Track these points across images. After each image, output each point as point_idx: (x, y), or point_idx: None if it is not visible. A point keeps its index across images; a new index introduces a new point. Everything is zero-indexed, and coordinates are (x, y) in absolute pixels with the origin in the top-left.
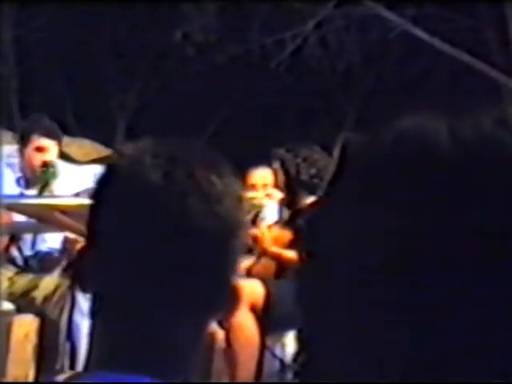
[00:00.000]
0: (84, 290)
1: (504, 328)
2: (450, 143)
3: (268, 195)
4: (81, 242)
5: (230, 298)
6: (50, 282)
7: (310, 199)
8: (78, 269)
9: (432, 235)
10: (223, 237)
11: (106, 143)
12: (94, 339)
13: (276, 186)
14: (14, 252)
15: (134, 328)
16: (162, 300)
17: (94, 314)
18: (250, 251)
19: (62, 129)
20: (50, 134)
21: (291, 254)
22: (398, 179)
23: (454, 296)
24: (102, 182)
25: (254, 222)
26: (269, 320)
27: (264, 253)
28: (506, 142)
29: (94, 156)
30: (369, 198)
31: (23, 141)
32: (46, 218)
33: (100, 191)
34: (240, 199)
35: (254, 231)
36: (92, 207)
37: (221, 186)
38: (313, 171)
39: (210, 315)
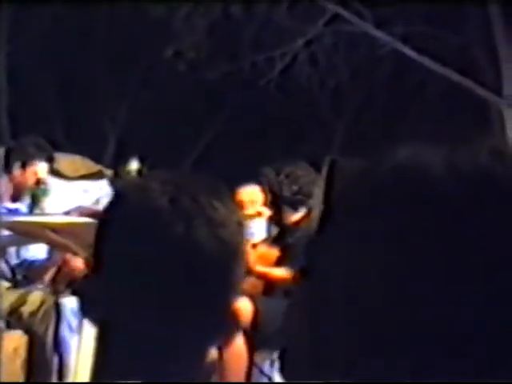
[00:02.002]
0: (90, 316)
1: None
2: (444, 173)
3: (258, 213)
4: (72, 257)
5: (230, 321)
6: (36, 297)
7: (296, 216)
8: (84, 293)
9: (429, 263)
10: (226, 259)
11: (97, 159)
12: (98, 361)
13: (264, 204)
14: (2, 265)
15: (136, 350)
16: (167, 322)
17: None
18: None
19: (51, 144)
20: (44, 156)
21: (278, 272)
22: (396, 208)
23: (444, 322)
24: (111, 208)
25: None
26: (257, 337)
27: (249, 272)
28: (498, 171)
29: (84, 172)
30: (366, 226)
31: (20, 162)
32: (36, 236)
33: (108, 215)
34: (241, 224)
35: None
36: (99, 231)
37: (223, 212)
38: (295, 188)
39: (212, 338)
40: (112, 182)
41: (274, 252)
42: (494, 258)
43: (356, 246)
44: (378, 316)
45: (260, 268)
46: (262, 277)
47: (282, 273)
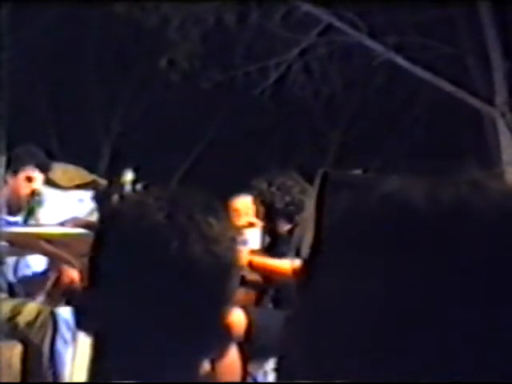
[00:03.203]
0: (84, 327)
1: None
2: (428, 206)
3: (251, 223)
4: (67, 268)
5: (223, 335)
6: (32, 308)
7: (288, 226)
8: (79, 305)
9: (410, 291)
10: (220, 275)
11: (91, 168)
12: (92, 373)
13: (257, 216)
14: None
15: (131, 364)
16: (159, 336)
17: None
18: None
19: (46, 154)
20: (39, 165)
21: (278, 263)
22: (383, 241)
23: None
24: (107, 222)
25: None
26: (251, 347)
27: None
28: (480, 204)
29: (79, 181)
30: (356, 259)
31: (13, 171)
32: (31, 247)
33: (104, 229)
34: (235, 240)
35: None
36: (95, 245)
37: (218, 228)
38: (288, 199)
39: (205, 352)
40: (106, 192)
41: (268, 261)
42: (475, 288)
43: (345, 279)
44: (366, 331)
45: (258, 259)
46: (260, 269)
47: (281, 264)
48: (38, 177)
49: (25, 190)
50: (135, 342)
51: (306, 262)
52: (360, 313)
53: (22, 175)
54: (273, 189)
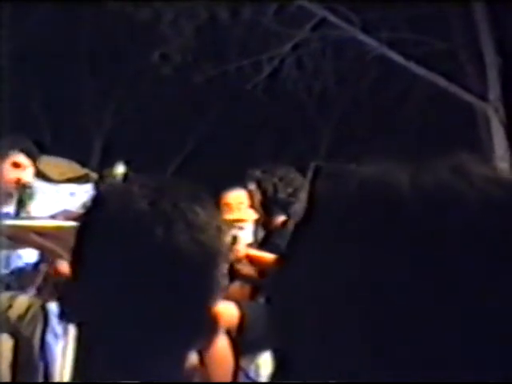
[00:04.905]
0: (69, 319)
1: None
2: (409, 191)
3: (242, 219)
4: (59, 262)
5: (209, 324)
6: (23, 301)
7: (283, 218)
8: (64, 296)
9: (393, 275)
10: (206, 263)
11: (82, 162)
12: (77, 363)
13: (251, 206)
14: None
15: (117, 353)
16: (146, 325)
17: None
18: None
19: (38, 147)
20: (27, 153)
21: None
22: (361, 225)
23: (412, 324)
24: (91, 211)
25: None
26: (243, 341)
27: (239, 260)
28: (462, 189)
29: (70, 175)
30: (335, 240)
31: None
32: (21, 240)
33: (88, 219)
34: (221, 229)
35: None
36: (79, 235)
37: (204, 216)
38: (290, 190)
39: (192, 341)
40: (97, 186)
41: (263, 255)
42: (458, 274)
43: (327, 261)
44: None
45: (255, 253)
46: (256, 263)
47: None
48: (27, 165)
49: (12, 175)
50: (120, 331)
51: (282, 255)
52: (341, 300)
53: (8, 161)
54: (275, 179)
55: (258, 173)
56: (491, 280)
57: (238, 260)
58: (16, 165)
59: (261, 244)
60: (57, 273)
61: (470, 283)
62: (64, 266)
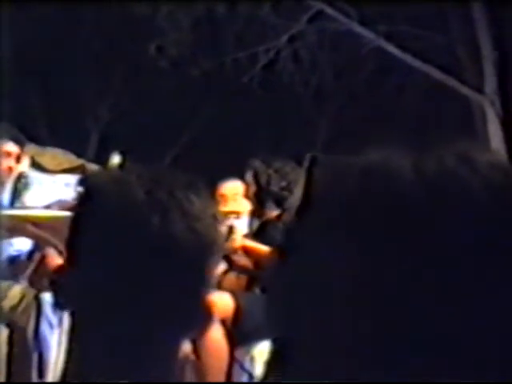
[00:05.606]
0: (64, 308)
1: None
2: (412, 177)
3: (238, 212)
4: (51, 253)
5: (203, 313)
6: (16, 291)
7: (277, 211)
8: (58, 285)
9: (394, 264)
10: (201, 252)
11: (79, 154)
12: (71, 353)
13: (246, 196)
14: None
15: (111, 342)
16: (140, 313)
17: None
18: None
19: (34, 139)
20: (15, 140)
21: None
22: (364, 211)
23: (415, 316)
24: (86, 200)
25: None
26: (238, 333)
27: (234, 251)
28: (466, 176)
29: (67, 166)
30: (336, 228)
31: None
32: (17, 230)
33: (83, 209)
34: (216, 218)
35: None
36: (74, 223)
37: (199, 205)
38: (283, 183)
39: (186, 330)
40: (92, 176)
41: (258, 246)
42: (458, 260)
43: (327, 251)
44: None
45: (251, 244)
46: (252, 254)
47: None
48: (16, 152)
49: (2, 164)
50: (115, 319)
51: (280, 247)
52: (341, 292)
53: None
54: (270, 171)
55: (256, 162)
56: (495, 267)
57: (234, 251)
58: (8, 154)
59: (255, 235)
60: (49, 265)
61: (474, 269)
62: (57, 258)
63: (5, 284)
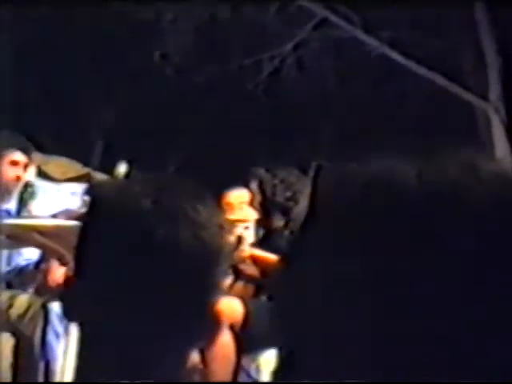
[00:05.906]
0: (72, 318)
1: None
2: (417, 187)
3: (244, 220)
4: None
5: (211, 321)
6: (23, 300)
7: (283, 221)
8: (66, 295)
9: (399, 273)
10: (207, 260)
11: (84, 162)
12: (79, 363)
13: (251, 205)
14: None
15: (119, 352)
16: (148, 322)
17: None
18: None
19: (38, 147)
20: (22, 149)
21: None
22: (368, 221)
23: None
24: (94, 210)
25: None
26: (245, 340)
27: (242, 260)
28: (470, 186)
29: (72, 174)
30: (341, 237)
31: None
32: (23, 239)
33: (90, 218)
34: (222, 227)
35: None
36: (82, 233)
37: (205, 214)
38: (288, 194)
39: (194, 339)
40: (98, 185)
41: (265, 255)
42: (462, 269)
43: (330, 253)
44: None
45: (259, 253)
46: (260, 263)
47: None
48: (23, 161)
49: (10, 174)
50: (122, 329)
51: (284, 255)
52: (345, 300)
53: (5, 159)
54: (276, 181)
55: (261, 171)
56: (500, 274)
57: (243, 260)
58: (13, 163)
59: (260, 244)
60: (53, 276)
61: (479, 278)
62: (59, 273)
63: (11, 293)
